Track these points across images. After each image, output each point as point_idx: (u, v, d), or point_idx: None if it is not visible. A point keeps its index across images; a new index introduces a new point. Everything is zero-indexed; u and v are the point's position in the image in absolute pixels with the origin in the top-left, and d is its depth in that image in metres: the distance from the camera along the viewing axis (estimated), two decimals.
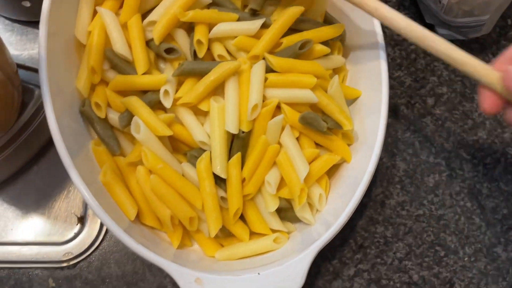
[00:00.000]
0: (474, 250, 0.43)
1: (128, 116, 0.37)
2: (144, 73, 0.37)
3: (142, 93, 0.38)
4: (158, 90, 0.37)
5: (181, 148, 0.39)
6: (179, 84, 0.39)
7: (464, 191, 0.45)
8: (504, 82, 0.28)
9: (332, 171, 0.40)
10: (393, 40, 0.49)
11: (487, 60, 0.49)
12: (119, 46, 0.38)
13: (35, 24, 0.45)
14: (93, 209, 0.32)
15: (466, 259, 0.43)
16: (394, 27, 0.35)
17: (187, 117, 0.38)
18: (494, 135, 0.47)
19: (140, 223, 0.37)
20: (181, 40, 0.40)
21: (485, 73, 0.30)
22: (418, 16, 0.50)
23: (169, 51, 0.39)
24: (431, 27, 0.49)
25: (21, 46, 0.44)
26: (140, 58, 0.38)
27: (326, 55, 0.41)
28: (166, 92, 0.37)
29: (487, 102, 0.30)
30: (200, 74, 0.38)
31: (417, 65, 0.49)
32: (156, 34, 0.38)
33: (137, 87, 0.38)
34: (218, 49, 0.39)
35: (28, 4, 0.42)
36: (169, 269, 0.31)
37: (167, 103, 0.37)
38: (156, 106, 0.38)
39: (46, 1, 0.36)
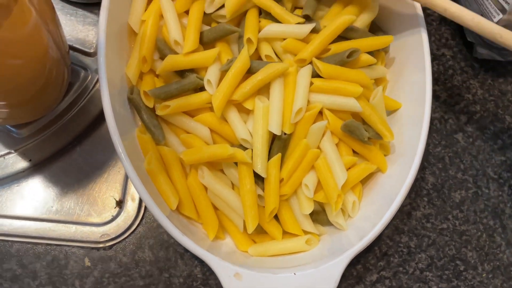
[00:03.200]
0: (493, 267, 0.45)
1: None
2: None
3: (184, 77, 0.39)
4: (202, 78, 0.38)
5: (220, 143, 0.40)
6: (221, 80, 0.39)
7: (488, 209, 0.46)
8: None
9: (365, 179, 0.41)
10: (432, 54, 0.50)
11: None
12: (174, 33, 0.38)
13: (85, 6, 0.45)
14: (143, 197, 0.33)
15: (484, 275, 0.44)
16: (464, 24, 0.38)
17: (231, 114, 0.38)
18: None
19: (178, 212, 0.38)
20: (231, 38, 0.40)
21: None
22: (458, 33, 0.51)
23: None
24: (471, 46, 0.50)
25: (70, 27, 0.45)
26: (191, 37, 0.38)
27: (370, 64, 0.42)
28: (208, 81, 0.38)
29: None
30: (247, 72, 0.38)
31: (454, 81, 0.49)
32: (229, 8, 0.38)
33: (188, 64, 0.38)
34: (266, 49, 0.40)
35: None
36: (211, 262, 0.32)
37: (211, 90, 0.38)
38: (201, 102, 0.38)
39: None
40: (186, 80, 0.38)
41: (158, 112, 0.38)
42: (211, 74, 0.38)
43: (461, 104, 0.49)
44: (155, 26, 0.39)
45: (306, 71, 0.39)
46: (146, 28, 0.38)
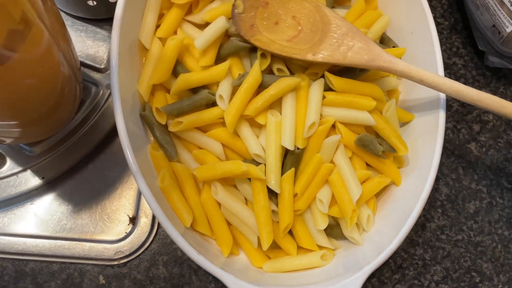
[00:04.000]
0: (508, 278, 0.44)
1: None
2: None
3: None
4: (214, 93, 0.38)
5: (233, 158, 0.40)
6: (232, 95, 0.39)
7: (503, 219, 0.46)
8: None
9: (379, 192, 0.41)
10: (443, 63, 0.49)
11: None
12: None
13: (95, 21, 0.45)
14: (157, 215, 0.33)
15: (500, 286, 0.44)
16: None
17: (244, 129, 0.38)
18: None
19: (192, 229, 0.38)
20: (242, 52, 0.40)
21: None
22: (469, 42, 0.50)
23: None
24: (482, 54, 0.49)
25: (80, 43, 0.45)
26: (210, 51, 0.38)
27: (383, 76, 0.42)
28: (220, 97, 0.38)
29: None
30: (259, 86, 0.38)
31: None
32: None
33: (200, 82, 0.38)
34: (278, 63, 0.40)
35: (93, 3, 0.43)
36: (226, 280, 0.32)
37: (223, 106, 0.38)
38: (213, 118, 0.38)
39: (120, 7, 0.36)
40: (198, 96, 0.38)
41: (171, 129, 0.38)
42: (223, 89, 0.38)
43: (473, 113, 0.48)
44: (177, 49, 0.38)
45: (318, 84, 0.39)
46: (169, 49, 0.37)
